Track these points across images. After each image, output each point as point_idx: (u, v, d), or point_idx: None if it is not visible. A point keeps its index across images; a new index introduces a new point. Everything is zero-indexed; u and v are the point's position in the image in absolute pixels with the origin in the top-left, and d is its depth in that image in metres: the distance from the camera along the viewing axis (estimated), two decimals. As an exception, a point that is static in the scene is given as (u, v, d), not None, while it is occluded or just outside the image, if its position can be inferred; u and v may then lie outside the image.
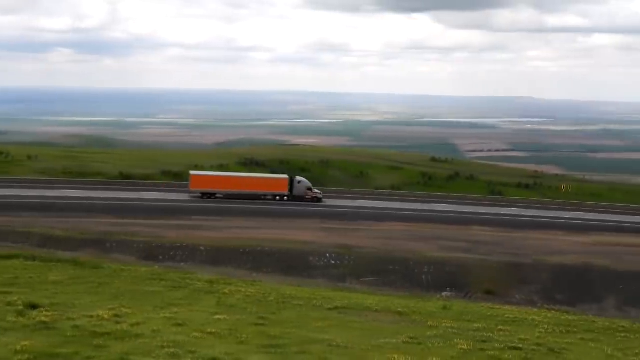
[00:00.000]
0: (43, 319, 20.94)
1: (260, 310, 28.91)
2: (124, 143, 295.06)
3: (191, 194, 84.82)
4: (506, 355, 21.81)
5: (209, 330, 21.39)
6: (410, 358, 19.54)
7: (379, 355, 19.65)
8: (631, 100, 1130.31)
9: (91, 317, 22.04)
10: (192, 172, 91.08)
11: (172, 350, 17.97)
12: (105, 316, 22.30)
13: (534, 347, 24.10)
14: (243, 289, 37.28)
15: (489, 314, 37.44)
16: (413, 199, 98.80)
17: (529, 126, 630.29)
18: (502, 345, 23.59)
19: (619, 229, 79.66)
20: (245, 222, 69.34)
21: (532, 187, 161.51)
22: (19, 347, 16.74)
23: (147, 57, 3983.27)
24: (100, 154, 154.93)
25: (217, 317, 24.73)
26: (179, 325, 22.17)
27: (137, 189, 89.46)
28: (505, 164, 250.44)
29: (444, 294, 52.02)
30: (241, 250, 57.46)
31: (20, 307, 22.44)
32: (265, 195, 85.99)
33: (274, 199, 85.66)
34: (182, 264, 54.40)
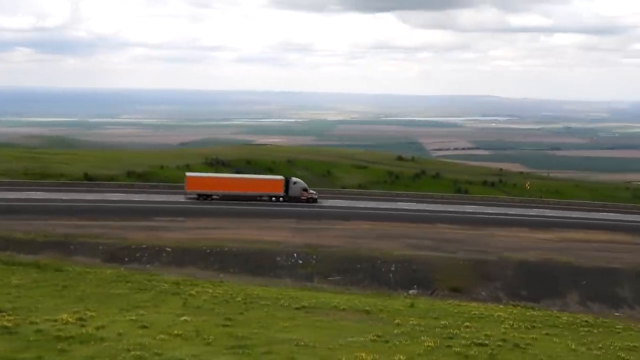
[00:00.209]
0: (5, 323, 20.59)
1: (226, 311, 28.79)
2: (87, 144, 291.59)
3: (187, 196, 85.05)
4: (472, 352, 22.00)
5: (175, 332, 21.24)
6: (377, 356, 19.60)
7: (346, 354, 19.67)
8: (593, 98, 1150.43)
9: (55, 320, 21.74)
10: (187, 174, 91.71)
11: (137, 353, 17.80)
12: (69, 320, 22.00)
13: (499, 343, 24.35)
14: (210, 290, 37.09)
15: (455, 311, 37.75)
16: (379, 197, 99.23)
17: (493, 125, 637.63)
18: (468, 342, 23.79)
19: (582, 226, 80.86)
20: (212, 223, 68.90)
21: (497, 184, 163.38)
22: (-21, 353, 16.47)
23: (110, 57, 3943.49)
24: (63, 154, 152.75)
25: (184, 318, 24.57)
26: (145, 327, 21.98)
27: (101, 190, 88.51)
28: (470, 162, 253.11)
29: (410, 292, 52.32)
30: (208, 250, 57.11)
31: (-19, 312, 22.07)
32: (261, 196, 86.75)
33: (270, 200, 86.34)
34: (148, 265, 53.91)
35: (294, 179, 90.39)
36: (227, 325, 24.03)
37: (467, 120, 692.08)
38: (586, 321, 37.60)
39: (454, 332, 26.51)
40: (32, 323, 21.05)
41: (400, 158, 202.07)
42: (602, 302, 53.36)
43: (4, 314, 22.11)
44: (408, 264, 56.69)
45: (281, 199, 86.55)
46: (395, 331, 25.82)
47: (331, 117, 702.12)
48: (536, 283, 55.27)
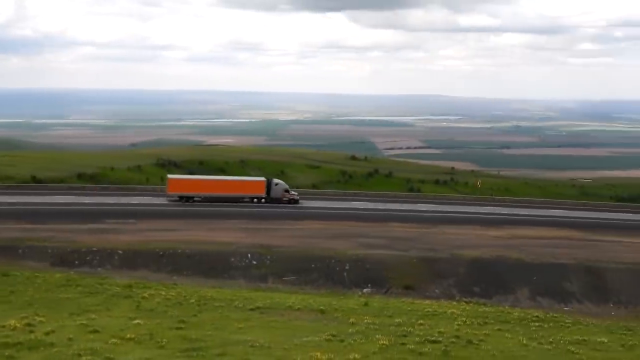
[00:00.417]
0: (-51, 330, 20.03)
1: (180, 313, 28.52)
2: (34, 145, 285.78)
3: (169, 198, 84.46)
4: (426, 349, 22.19)
5: (127, 335, 20.93)
6: (332, 355, 19.63)
7: (301, 354, 19.65)
8: (541, 97, 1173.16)
9: (2, 327, 21.25)
10: (169, 176, 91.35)
11: (88, 357, 17.51)
12: (17, 325, 21.55)
13: (452, 340, 24.62)
14: (163, 293, 36.71)
15: (408, 308, 38.09)
16: (333, 197, 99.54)
17: (444, 124, 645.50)
18: (422, 339, 24.00)
19: (532, 223, 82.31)
20: (164, 225, 68.12)
21: (448, 183, 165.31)
22: None
23: (57, 56, 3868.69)
24: (9, 156, 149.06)
25: (136, 322, 24.26)
26: (96, 331, 21.63)
27: (50, 192, 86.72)
28: (422, 161, 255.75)
29: (364, 290, 52.57)
30: (160, 253, 56.44)
31: None
32: (243, 198, 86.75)
33: (252, 202, 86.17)
34: (99, 268, 53.04)
35: (275, 180, 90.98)
36: (180, 328, 23.81)
37: (418, 119, 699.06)
38: (537, 316, 38.32)
39: (408, 329, 26.72)
40: (-22, 330, 20.51)
41: (353, 157, 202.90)
42: (552, 297, 54.44)
43: (-51, 321, 21.51)
44: (362, 263, 56.93)
45: (263, 200, 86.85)
46: (350, 330, 25.91)
47: (283, 116, 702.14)
48: (488, 279, 56.05)
